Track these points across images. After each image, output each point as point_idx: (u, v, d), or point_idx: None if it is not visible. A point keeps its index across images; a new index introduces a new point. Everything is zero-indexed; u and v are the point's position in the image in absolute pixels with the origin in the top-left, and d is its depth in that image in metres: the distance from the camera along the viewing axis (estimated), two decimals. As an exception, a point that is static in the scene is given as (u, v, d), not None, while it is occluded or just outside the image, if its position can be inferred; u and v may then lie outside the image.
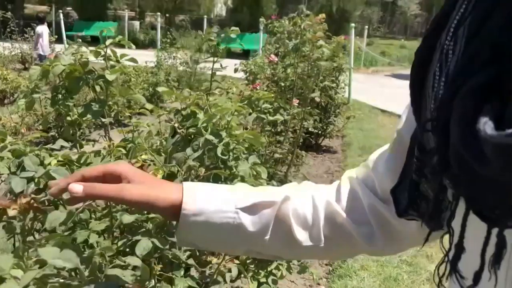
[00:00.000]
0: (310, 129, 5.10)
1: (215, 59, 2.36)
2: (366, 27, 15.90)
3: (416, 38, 29.72)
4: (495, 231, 0.39)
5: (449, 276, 0.45)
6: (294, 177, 3.80)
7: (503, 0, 0.39)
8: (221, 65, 2.37)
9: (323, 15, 7.50)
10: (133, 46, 1.63)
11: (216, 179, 1.42)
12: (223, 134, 1.37)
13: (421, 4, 31.04)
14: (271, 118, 2.85)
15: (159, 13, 13.41)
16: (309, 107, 4.64)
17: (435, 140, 0.44)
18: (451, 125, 0.40)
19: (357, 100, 8.32)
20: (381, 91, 10.03)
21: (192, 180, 1.23)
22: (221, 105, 1.65)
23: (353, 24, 8.70)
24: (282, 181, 3.29)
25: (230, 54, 15.72)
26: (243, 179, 1.48)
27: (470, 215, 0.41)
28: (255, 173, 1.46)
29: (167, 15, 18.74)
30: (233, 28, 2.24)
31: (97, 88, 1.83)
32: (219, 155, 1.33)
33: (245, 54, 14.16)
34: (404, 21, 34.29)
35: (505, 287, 0.40)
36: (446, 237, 0.48)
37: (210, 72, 2.81)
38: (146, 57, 8.10)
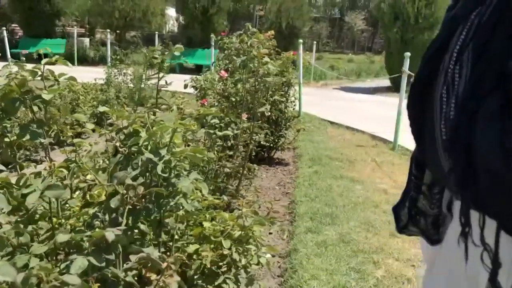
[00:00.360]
0: (262, 142, 5.16)
1: (161, 75, 2.37)
2: (315, 42, 16.30)
3: (363, 52, 30.76)
4: None
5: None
6: (246, 191, 3.83)
7: (499, 30, 0.44)
8: (166, 82, 2.39)
9: (272, 32, 7.63)
10: (70, 64, 1.62)
11: (158, 197, 1.43)
12: (163, 152, 1.39)
13: (366, 20, 32.19)
14: (220, 133, 2.88)
15: (108, 30, 13.22)
16: (260, 121, 4.71)
17: (452, 160, 0.45)
18: (476, 146, 0.42)
19: (307, 113, 8.49)
20: (330, 104, 10.30)
21: (131, 199, 1.24)
22: (163, 123, 1.66)
23: (300, 40, 8.91)
24: (233, 195, 3.31)
25: (183, 70, 15.69)
26: (185, 196, 1.50)
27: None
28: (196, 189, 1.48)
29: (117, 31, 18.48)
30: (177, 45, 2.27)
31: (35, 108, 1.80)
32: (160, 173, 1.34)
33: (198, 70, 14.14)
34: (351, 36, 35.42)
35: None
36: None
37: (160, 88, 2.83)
38: (96, 74, 7.95)
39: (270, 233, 3.37)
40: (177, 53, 2.20)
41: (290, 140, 5.89)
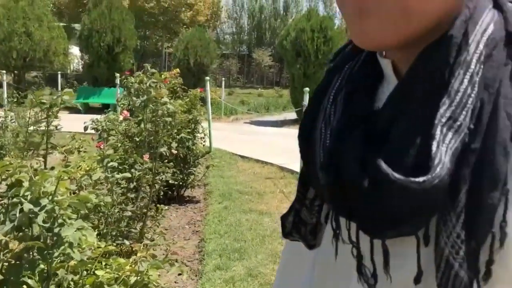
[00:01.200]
0: (170, 181, 5.11)
1: (51, 120, 2.30)
2: (224, 78, 16.68)
3: (271, 86, 31.91)
4: (378, 242, 0.51)
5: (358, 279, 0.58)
6: (154, 233, 3.75)
7: (366, 83, 0.57)
8: (56, 127, 2.32)
9: (177, 70, 7.70)
10: None
11: (41, 249, 1.37)
12: (45, 201, 1.34)
13: (273, 56, 33.59)
14: (118, 176, 2.82)
15: (4, 71, 12.53)
16: (166, 160, 4.68)
17: (327, 179, 0.55)
18: (343, 166, 0.52)
19: (218, 148, 8.58)
20: (240, 138, 10.49)
21: (4, 255, 1.17)
22: (47, 171, 1.61)
23: (207, 78, 9.09)
24: (138, 239, 3.23)
25: (89, 110, 15.17)
26: (71, 245, 1.45)
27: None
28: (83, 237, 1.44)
29: (15, 72, 17.47)
30: (66, 90, 2.22)
31: None
32: (40, 223, 1.29)
33: (105, 109, 13.77)
34: (260, 71, 36.68)
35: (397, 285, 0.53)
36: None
37: (62, 131, 2.71)
38: (-11, 119, 7.43)
39: (180, 274, 3.32)
40: (66, 97, 2.15)
41: (200, 177, 5.89)
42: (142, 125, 3.81)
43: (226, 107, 15.31)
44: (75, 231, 1.38)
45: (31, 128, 2.85)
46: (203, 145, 6.19)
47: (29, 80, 21.12)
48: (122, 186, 3.60)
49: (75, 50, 21.06)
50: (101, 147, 2.96)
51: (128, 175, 2.79)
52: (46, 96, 2.26)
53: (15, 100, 8.16)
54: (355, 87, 0.58)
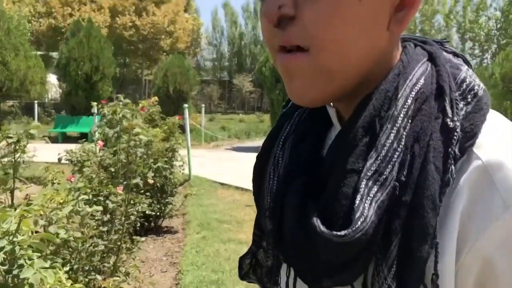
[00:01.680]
0: (147, 212, 5.02)
1: (18, 155, 2.25)
2: (204, 105, 16.70)
3: (253, 111, 32.11)
4: None
5: None
6: (129, 266, 3.66)
7: (312, 131, 0.59)
8: (23, 161, 2.27)
9: (155, 98, 7.66)
10: None
11: (-2, 292, 1.32)
12: (3, 242, 1.30)
13: (253, 82, 33.88)
14: (89, 209, 2.76)
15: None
16: (142, 191, 4.61)
17: (271, 224, 0.56)
18: (285, 214, 0.53)
19: (198, 176, 8.51)
20: (220, 165, 10.45)
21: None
22: (9, 210, 1.57)
23: (186, 105, 9.09)
24: (111, 274, 3.14)
25: (67, 139, 14.96)
26: (32, 287, 1.40)
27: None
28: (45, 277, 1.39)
29: (-9, 101, 17.25)
30: (33, 124, 2.18)
31: None
32: (-3, 266, 1.25)
33: (83, 138, 13.62)
34: (241, 97, 36.90)
35: None
36: None
37: (37, 162, 2.63)
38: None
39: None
40: (33, 131, 2.11)
41: (178, 206, 5.81)
42: (116, 156, 3.76)
43: (206, 133, 15.30)
44: (35, 272, 1.33)
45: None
46: (182, 173, 6.13)
47: (5, 110, 20.82)
48: (96, 218, 3.53)
49: (52, 79, 20.92)
50: (72, 180, 2.89)
51: (99, 208, 2.73)
52: (12, 130, 2.22)
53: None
54: (303, 134, 0.60)
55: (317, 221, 0.48)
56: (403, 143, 0.48)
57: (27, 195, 1.74)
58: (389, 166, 0.48)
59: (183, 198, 5.88)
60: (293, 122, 0.62)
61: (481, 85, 0.54)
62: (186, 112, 8.59)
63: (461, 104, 0.51)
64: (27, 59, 16.83)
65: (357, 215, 0.46)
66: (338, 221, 0.48)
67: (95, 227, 3.24)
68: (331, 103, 0.59)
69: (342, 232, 0.46)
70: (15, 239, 1.35)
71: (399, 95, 0.50)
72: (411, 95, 0.50)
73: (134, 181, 3.06)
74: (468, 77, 0.54)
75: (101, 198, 3.72)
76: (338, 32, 0.48)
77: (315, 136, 0.59)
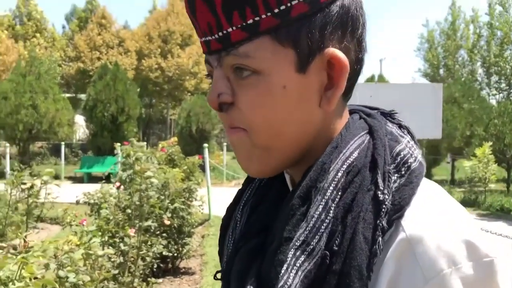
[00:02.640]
0: (164, 253, 5.02)
1: (32, 201, 2.31)
2: (225, 143, 16.86)
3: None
4: None
5: None
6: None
7: (269, 195, 0.62)
8: (42, 203, 2.33)
9: (175, 139, 7.77)
10: None
11: None
12: (-2, 291, 1.33)
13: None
14: (100, 252, 2.79)
15: (7, 144, 12.80)
16: (158, 231, 4.63)
17: (224, 286, 0.60)
18: (231, 278, 0.57)
19: (217, 216, 8.48)
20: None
21: None
22: (11, 256, 1.61)
23: (205, 145, 9.19)
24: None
25: (92, 179, 15.25)
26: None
27: None
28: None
29: (21, 144, 17.80)
30: (47, 170, 2.26)
31: None
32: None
33: (107, 178, 13.86)
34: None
35: None
36: None
37: (57, 201, 2.75)
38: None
39: None
40: (46, 177, 2.18)
41: (195, 247, 5.79)
42: (131, 198, 3.82)
43: (228, 172, 15.38)
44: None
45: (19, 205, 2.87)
46: (202, 212, 6.13)
47: (35, 151, 21.44)
48: (112, 260, 3.55)
49: (80, 120, 21.57)
50: (84, 223, 2.95)
51: (110, 251, 2.77)
52: (27, 177, 2.30)
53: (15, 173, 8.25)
54: (261, 198, 0.63)
55: None
56: (331, 214, 0.50)
57: (25, 242, 1.77)
58: (317, 236, 0.50)
59: (201, 238, 5.86)
60: (254, 186, 0.65)
61: (418, 157, 0.56)
62: (206, 151, 8.68)
63: (394, 177, 0.53)
64: (56, 102, 17.46)
65: (280, 284, 0.48)
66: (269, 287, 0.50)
67: (109, 270, 3.26)
68: (288, 170, 0.62)
69: None
70: (12, 286, 1.38)
71: (331, 168, 0.52)
72: (342, 168, 0.52)
73: (146, 223, 3.09)
74: (407, 149, 0.56)
75: (117, 240, 3.77)
76: (269, 115, 0.53)
77: (272, 200, 0.62)
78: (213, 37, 0.53)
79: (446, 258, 0.47)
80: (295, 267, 0.49)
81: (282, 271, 0.49)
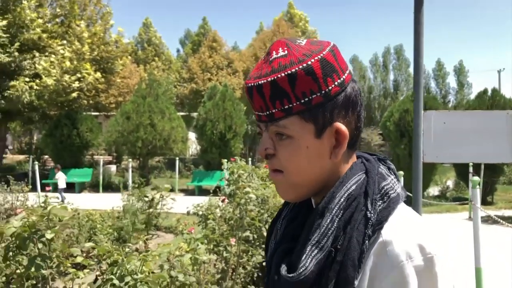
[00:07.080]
0: (264, 264, 5.38)
1: (151, 210, 2.80)
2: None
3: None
4: None
5: None
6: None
7: (302, 212, 0.95)
8: (158, 214, 2.80)
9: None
10: (69, 209, 2.06)
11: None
12: (128, 278, 1.76)
13: (382, 135, 33.25)
14: (204, 257, 3.23)
15: (130, 159, 14.34)
16: (258, 243, 5.01)
17: (266, 271, 0.92)
18: (272, 266, 0.89)
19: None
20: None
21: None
22: (135, 254, 2.05)
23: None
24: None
25: (202, 192, 16.35)
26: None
27: None
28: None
29: (140, 158, 19.66)
30: (166, 185, 2.74)
31: (40, 245, 2.23)
32: (123, 295, 1.70)
33: (215, 192, 14.74)
34: (370, 151, 36.17)
35: None
36: None
37: (171, 211, 3.24)
38: (119, 201, 8.40)
39: None
40: (164, 193, 2.65)
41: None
42: (233, 211, 4.26)
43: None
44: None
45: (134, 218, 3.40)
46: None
47: (152, 165, 23.44)
48: (216, 266, 4.00)
49: (192, 136, 23.17)
50: (192, 231, 3.41)
51: (213, 257, 3.18)
52: (149, 191, 2.79)
53: (136, 185, 9.26)
54: (295, 214, 0.95)
55: (283, 270, 0.82)
56: (335, 225, 0.81)
57: (146, 245, 2.21)
58: (325, 238, 0.80)
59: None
60: (289, 206, 0.98)
61: (397, 190, 0.85)
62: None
63: (379, 203, 0.82)
64: (171, 120, 19.08)
65: (301, 265, 0.79)
66: (294, 270, 0.80)
67: (213, 274, 3.70)
68: (312, 197, 0.92)
69: (291, 274, 0.80)
70: (135, 276, 1.81)
71: (337, 196, 0.83)
72: (344, 196, 0.83)
73: (245, 234, 3.47)
74: (390, 184, 0.85)
75: (221, 248, 4.21)
76: (297, 164, 0.84)
77: (302, 217, 0.93)
78: (263, 113, 0.85)
79: (405, 254, 0.76)
80: (310, 256, 0.79)
81: (303, 257, 0.79)
